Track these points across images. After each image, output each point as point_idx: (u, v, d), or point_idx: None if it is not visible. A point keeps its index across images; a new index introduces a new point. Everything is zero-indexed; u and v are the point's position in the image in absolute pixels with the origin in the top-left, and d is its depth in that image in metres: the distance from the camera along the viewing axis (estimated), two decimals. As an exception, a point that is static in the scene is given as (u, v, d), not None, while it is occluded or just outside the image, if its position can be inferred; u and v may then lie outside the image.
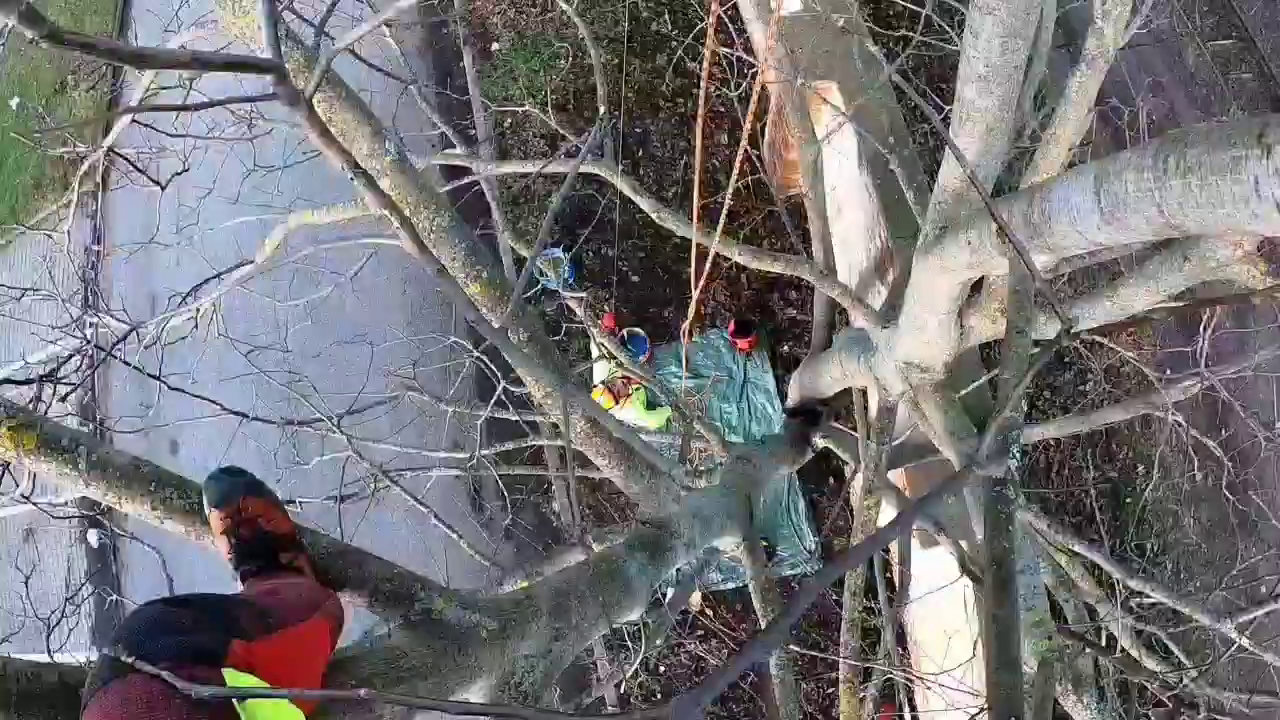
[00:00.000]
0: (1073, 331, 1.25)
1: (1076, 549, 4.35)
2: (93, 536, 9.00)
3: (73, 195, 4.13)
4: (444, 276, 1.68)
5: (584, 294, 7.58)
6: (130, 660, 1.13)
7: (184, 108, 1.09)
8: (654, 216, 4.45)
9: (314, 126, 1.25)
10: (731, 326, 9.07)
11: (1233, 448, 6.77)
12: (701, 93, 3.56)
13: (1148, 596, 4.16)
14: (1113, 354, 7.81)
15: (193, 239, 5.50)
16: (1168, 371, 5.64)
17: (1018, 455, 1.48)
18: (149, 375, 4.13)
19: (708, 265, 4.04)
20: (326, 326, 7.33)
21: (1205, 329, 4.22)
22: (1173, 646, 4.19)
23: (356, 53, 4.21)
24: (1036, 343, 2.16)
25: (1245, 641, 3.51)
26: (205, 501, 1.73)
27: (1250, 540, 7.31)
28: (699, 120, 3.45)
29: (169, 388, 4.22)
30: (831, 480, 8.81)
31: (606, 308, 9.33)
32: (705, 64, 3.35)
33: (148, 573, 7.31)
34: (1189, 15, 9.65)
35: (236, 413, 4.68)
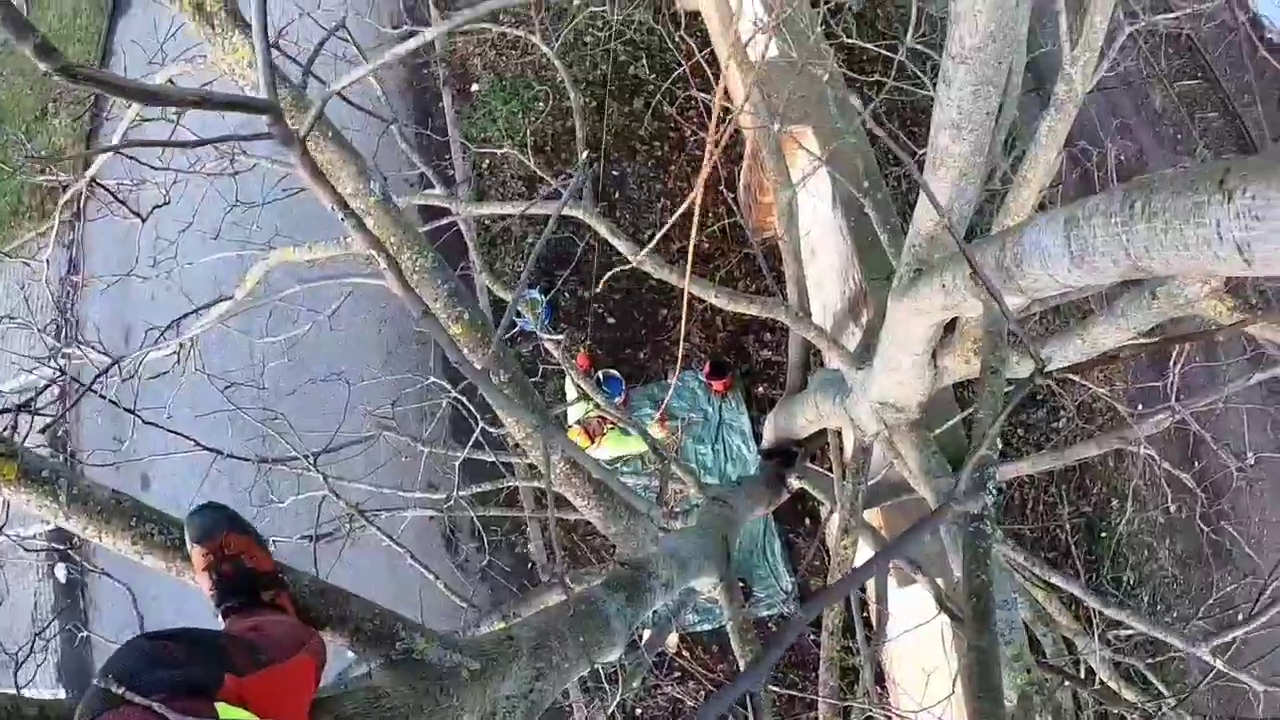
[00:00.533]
0: (1045, 370, 1.29)
1: (1053, 581, 4.39)
2: (60, 571, 8.82)
3: (53, 224, 4.11)
4: (428, 318, 1.69)
5: (562, 336, 7.61)
6: (121, 692, 1.13)
7: (180, 144, 1.11)
8: (631, 259, 4.48)
9: (306, 166, 1.27)
10: (707, 368, 9.11)
11: (1206, 479, 6.87)
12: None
13: (1125, 628, 4.19)
14: (1085, 390, 7.93)
15: (171, 273, 5.47)
16: (1139, 406, 5.73)
17: (994, 491, 1.51)
18: (125, 409, 4.08)
19: (686, 303, 4.08)
20: (301, 364, 7.30)
21: (1175, 364, 4.30)
22: (1151, 677, 4.21)
23: (339, 91, 4.24)
24: (1010, 381, 2.21)
25: (1220, 665, 3.55)
26: (187, 537, 1.72)
27: (1225, 569, 7.39)
28: (705, 162, 3.46)
29: (143, 422, 4.17)
30: (807, 521, 8.83)
31: (580, 349, 9.36)
32: (715, 103, 3.37)
33: (116, 609, 7.15)
34: (1155, 56, 9.92)
35: (211, 449, 4.63)
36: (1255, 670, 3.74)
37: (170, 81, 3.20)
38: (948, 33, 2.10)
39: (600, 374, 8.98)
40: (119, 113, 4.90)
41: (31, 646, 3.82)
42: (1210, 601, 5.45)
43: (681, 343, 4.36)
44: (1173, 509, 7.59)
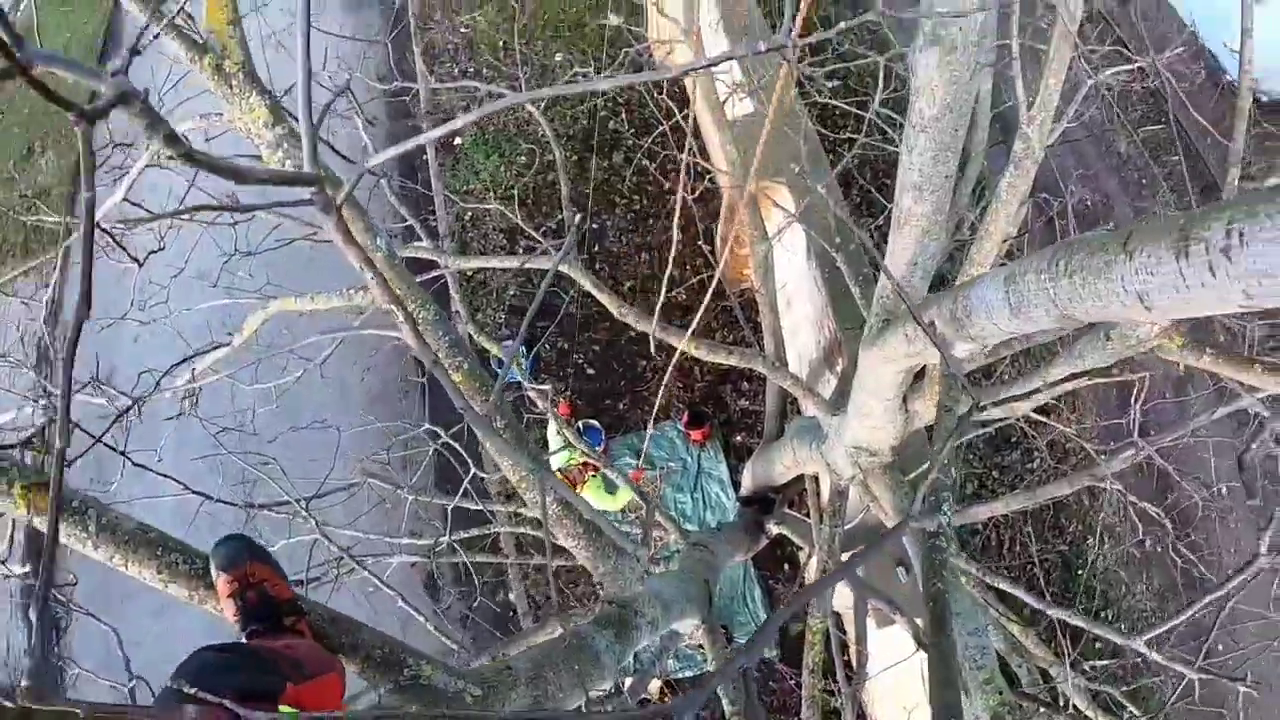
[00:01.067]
0: (980, 406, 1.46)
1: (1000, 585, 4.53)
2: (34, 614, 8.71)
3: (56, 263, 4.20)
4: (438, 367, 1.83)
5: (548, 387, 7.75)
6: (194, 692, 1.25)
7: (233, 208, 1.26)
8: (615, 312, 4.63)
9: (340, 230, 1.42)
10: (685, 418, 9.24)
11: (1179, 512, 7.03)
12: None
13: (1100, 659, 4.30)
14: (1056, 430, 8.12)
15: (168, 317, 5.57)
16: (1112, 444, 5.91)
17: (948, 511, 1.67)
18: (119, 453, 4.16)
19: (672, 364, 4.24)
20: (284, 411, 7.37)
21: (1135, 401, 4.46)
22: (1128, 704, 4.33)
23: (332, 145, 4.43)
24: (963, 418, 2.38)
25: (1155, 655, 3.69)
26: (213, 565, 1.84)
27: (1200, 598, 7.51)
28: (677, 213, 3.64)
29: (134, 464, 4.24)
30: (786, 567, 8.93)
31: (561, 399, 9.50)
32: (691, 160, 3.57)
33: (93, 652, 7.07)
34: (1119, 105, 10.25)
35: (200, 493, 4.69)
36: (1239, 672, 3.86)
37: (184, 136, 3.35)
38: (909, 105, 2.30)
39: (580, 424, 9.11)
40: (109, 156, 5.01)
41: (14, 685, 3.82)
42: (1181, 628, 5.58)
43: (660, 394, 4.51)
44: (1147, 543, 7.74)
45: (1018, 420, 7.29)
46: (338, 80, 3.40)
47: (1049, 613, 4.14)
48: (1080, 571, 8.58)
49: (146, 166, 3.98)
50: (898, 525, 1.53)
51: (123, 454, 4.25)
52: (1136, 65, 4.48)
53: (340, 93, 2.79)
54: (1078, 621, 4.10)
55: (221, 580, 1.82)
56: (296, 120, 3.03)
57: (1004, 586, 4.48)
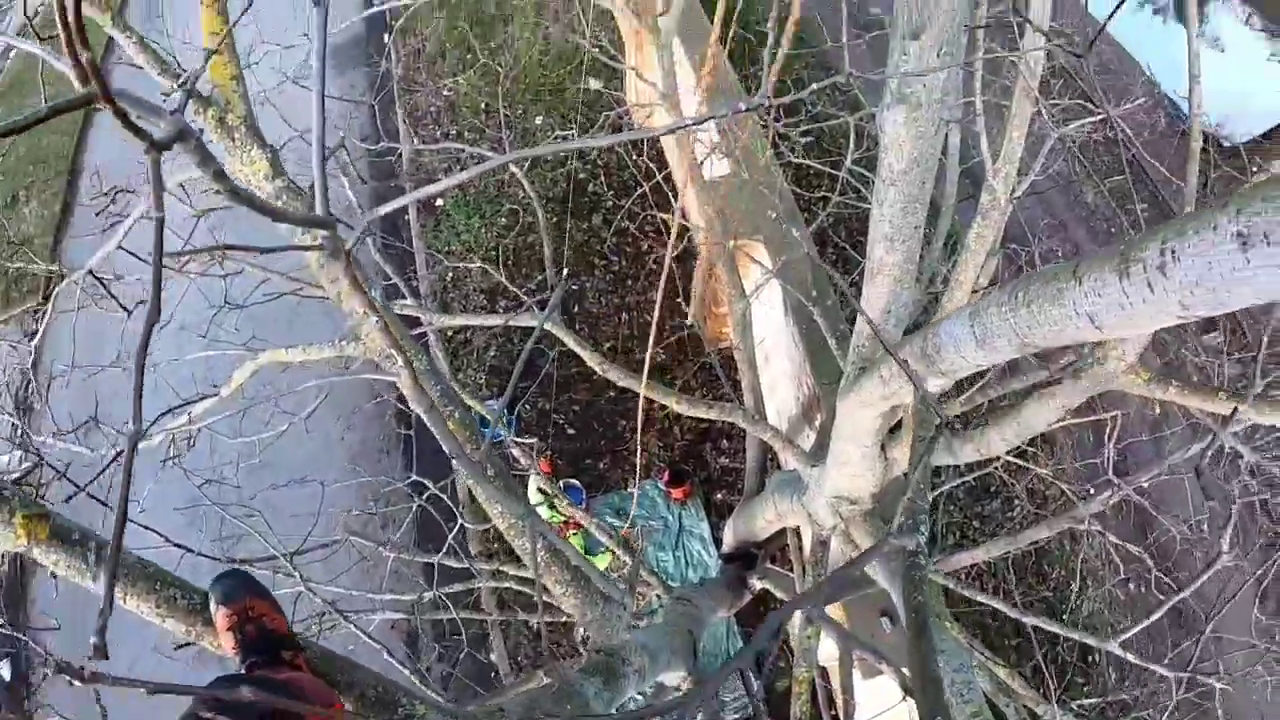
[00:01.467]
0: (948, 424, 1.54)
1: (980, 599, 4.56)
2: (5, 669, 8.58)
3: (46, 311, 4.24)
4: (433, 413, 1.90)
5: (534, 440, 7.78)
6: (211, 719, 1.30)
7: (247, 248, 1.33)
8: (597, 369, 4.71)
9: (349, 276, 1.51)
10: (666, 476, 9.28)
11: (1158, 548, 7.10)
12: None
13: (1087, 698, 4.32)
14: (1034, 476, 8.20)
15: (154, 368, 5.58)
16: (1090, 488, 5.99)
17: (925, 531, 1.76)
18: (101, 503, 4.15)
19: (641, 411, 4.30)
20: (265, 466, 7.35)
21: (1110, 440, 4.54)
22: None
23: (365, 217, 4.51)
24: (932, 440, 2.47)
25: (1131, 657, 3.74)
26: (212, 599, 1.88)
27: (1184, 634, 7.54)
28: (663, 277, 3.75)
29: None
30: (769, 623, 8.90)
31: (542, 457, 9.53)
32: (673, 221, 3.69)
33: (68, 699, 6.90)
34: (1084, 154, 10.54)
35: (181, 546, 4.67)
36: (1225, 702, 3.88)
37: (181, 186, 3.45)
38: (879, 160, 2.43)
39: (561, 483, 9.13)
40: (97, 202, 5.07)
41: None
42: (1167, 658, 5.61)
43: (638, 451, 4.58)
44: (1130, 585, 7.77)
45: (996, 468, 7.39)
46: (328, 139, 3.49)
47: (1024, 620, 4.18)
48: (1065, 616, 8.62)
49: (141, 217, 4.04)
50: (877, 544, 1.60)
51: (104, 504, 4.25)
52: (1099, 118, 4.68)
53: (335, 150, 2.90)
54: (1054, 628, 4.14)
55: (220, 614, 1.86)
56: (291, 177, 3.14)
57: (982, 599, 4.52)
